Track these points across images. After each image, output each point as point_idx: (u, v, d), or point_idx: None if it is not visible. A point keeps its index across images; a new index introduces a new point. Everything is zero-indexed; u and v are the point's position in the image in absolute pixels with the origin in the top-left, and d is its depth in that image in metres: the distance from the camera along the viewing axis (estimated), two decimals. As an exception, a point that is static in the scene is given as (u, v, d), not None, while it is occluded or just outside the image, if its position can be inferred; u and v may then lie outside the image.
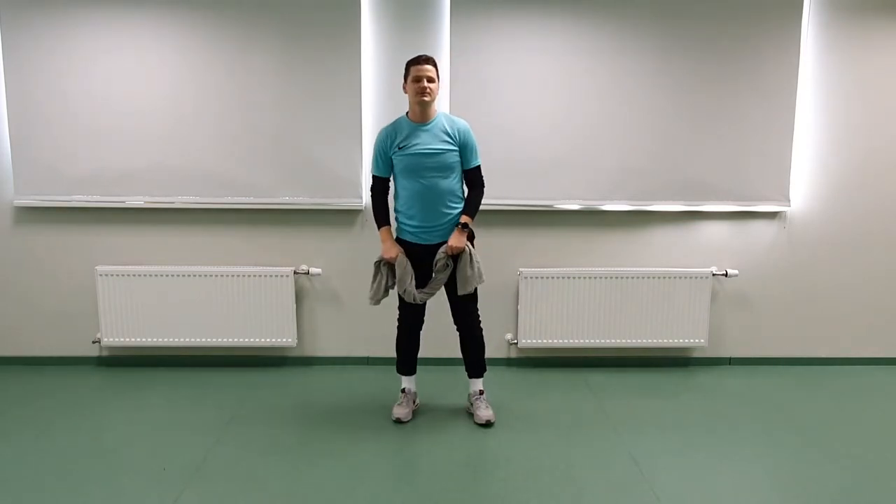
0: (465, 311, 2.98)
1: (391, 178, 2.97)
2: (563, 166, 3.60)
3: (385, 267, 2.93)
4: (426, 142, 2.82)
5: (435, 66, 2.82)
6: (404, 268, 2.88)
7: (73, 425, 2.94)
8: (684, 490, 2.43)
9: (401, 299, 2.98)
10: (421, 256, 2.92)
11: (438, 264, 2.86)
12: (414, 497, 2.36)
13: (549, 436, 2.88)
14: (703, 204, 3.66)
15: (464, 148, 2.88)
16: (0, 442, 2.78)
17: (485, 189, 2.95)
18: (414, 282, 2.90)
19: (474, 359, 3.05)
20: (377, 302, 2.95)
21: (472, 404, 3.06)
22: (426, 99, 2.78)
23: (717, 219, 3.72)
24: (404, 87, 2.88)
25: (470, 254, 2.87)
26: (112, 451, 2.69)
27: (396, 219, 2.98)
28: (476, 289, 2.96)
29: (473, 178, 2.93)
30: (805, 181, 3.70)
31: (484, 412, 2.98)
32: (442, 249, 2.85)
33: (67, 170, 3.54)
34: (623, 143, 3.60)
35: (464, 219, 2.86)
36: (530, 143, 3.55)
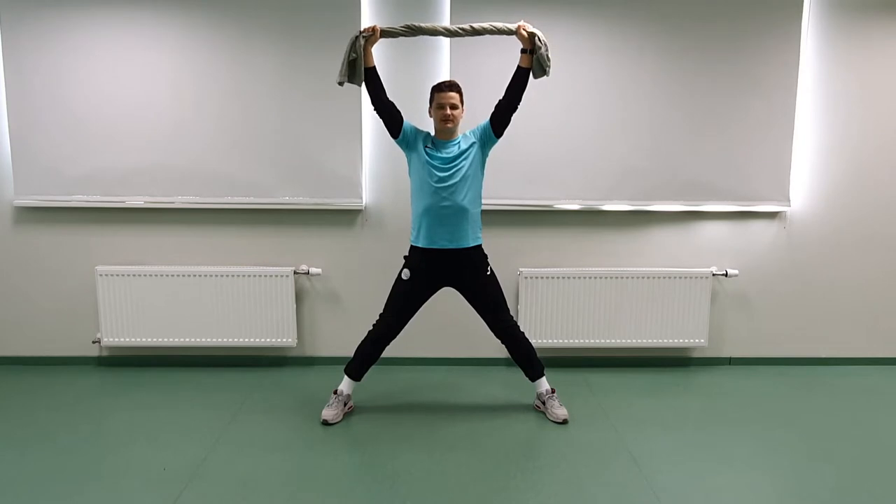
0: (500, 321, 3.00)
1: (400, 124, 2.90)
2: (563, 166, 3.60)
3: (362, 39, 2.78)
4: (450, 151, 2.89)
5: (459, 91, 2.91)
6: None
7: (73, 425, 2.94)
8: (684, 490, 2.43)
9: (385, 308, 2.98)
10: (435, 270, 2.92)
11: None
12: (412, 497, 2.37)
13: (549, 435, 2.88)
14: (703, 204, 3.66)
15: (481, 129, 2.95)
16: (0, 442, 2.78)
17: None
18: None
19: (528, 361, 3.08)
20: (341, 82, 2.83)
21: (543, 403, 3.08)
22: (449, 126, 2.89)
23: (717, 219, 3.72)
24: (429, 112, 2.96)
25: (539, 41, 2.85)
26: (112, 451, 2.69)
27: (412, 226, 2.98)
28: (505, 299, 3.02)
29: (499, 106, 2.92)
30: (805, 181, 3.70)
31: (560, 410, 3.02)
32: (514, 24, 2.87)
33: (67, 170, 3.54)
34: (623, 143, 3.60)
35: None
36: (530, 142, 3.55)
